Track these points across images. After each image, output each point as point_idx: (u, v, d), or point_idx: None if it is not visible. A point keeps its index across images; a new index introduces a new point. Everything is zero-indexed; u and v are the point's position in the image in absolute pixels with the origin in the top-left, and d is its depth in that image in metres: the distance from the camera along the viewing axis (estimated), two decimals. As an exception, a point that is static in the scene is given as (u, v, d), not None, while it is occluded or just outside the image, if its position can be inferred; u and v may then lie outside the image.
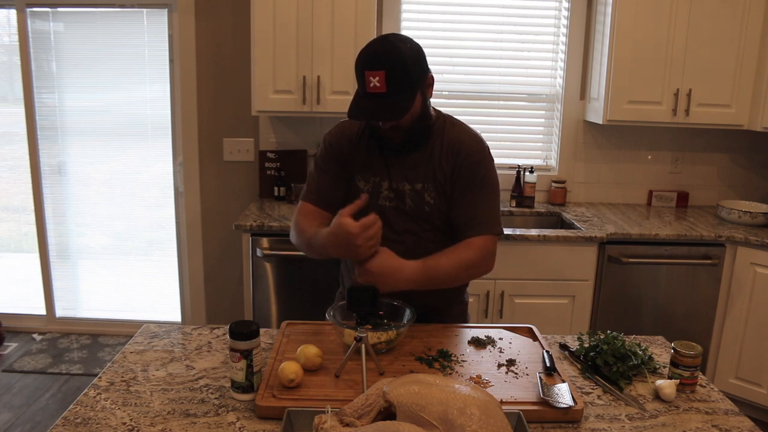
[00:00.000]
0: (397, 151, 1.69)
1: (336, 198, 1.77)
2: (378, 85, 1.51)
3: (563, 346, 1.65)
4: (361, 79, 1.54)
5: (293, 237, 1.77)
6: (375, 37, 2.94)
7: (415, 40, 1.63)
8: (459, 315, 1.89)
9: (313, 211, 1.76)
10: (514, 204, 3.42)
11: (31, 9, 3.47)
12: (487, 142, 1.74)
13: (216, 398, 1.37)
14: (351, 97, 3.15)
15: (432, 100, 1.71)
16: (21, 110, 3.61)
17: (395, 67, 1.52)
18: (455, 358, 1.54)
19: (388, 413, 1.12)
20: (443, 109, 1.80)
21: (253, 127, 3.48)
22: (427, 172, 1.69)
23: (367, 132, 1.74)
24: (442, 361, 1.52)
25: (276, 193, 3.41)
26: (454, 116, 1.77)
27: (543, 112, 3.57)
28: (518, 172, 3.41)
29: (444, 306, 1.83)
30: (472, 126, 1.77)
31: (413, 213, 1.70)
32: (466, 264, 1.65)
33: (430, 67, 1.64)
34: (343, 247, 1.52)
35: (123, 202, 3.75)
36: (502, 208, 3.34)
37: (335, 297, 1.96)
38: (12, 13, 3.52)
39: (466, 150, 1.68)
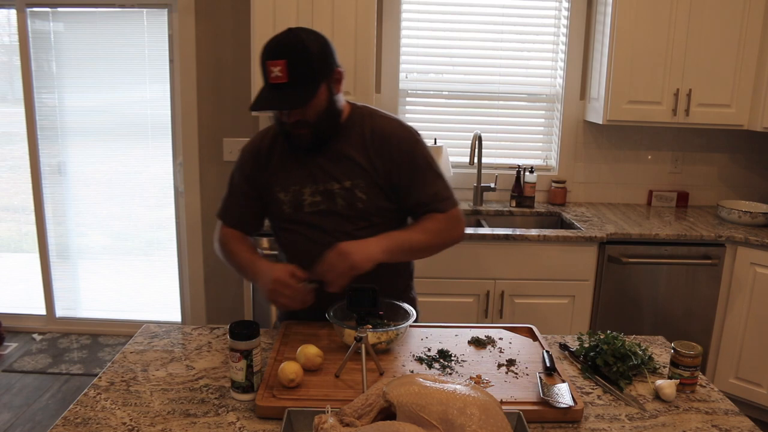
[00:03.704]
0: (312, 152, 1.64)
1: (246, 219, 1.76)
2: (280, 75, 1.48)
3: (563, 346, 1.65)
4: (264, 71, 1.51)
5: (220, 253, 1.77)
6: (374, 37, 2.97)
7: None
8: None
9: (228, 231, 1.76)
10: (514, 204, 3.42)
11: (31, 9, 3.47)
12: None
13: (216, 398, 1.37)
14: (351, 97, 3.17)
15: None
16: (21, 110, 3.61)
17: (297, 57, 1.49)
18: (455, 358, 1.54)
19: (388, 413, 1.12)
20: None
21: (253, 127, 3.48)
22: (354, 167, 1.64)
23: (280, 140, 1.69)
24: (442, 361, 1.52)
25: (276, 193, 3.40)
26: (372, 107, 1.73)
27: (543, 112, 3.57)
28: (518, 172, 3.41)
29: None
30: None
31: (346, 212, 1.65)
32: (435, 230, 1.65)
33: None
34: (273, 292, 1.54)
35: (123, 202, 3.75)
36: (501, 208, 3.37)
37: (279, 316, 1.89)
38: (12, 13, 3.52)
39: (397, 138, 1.65)
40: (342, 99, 1.65)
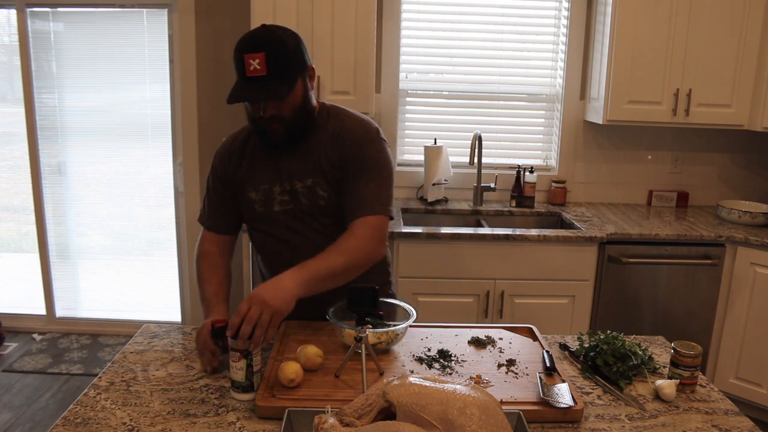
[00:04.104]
0: (281, 148, 1.64)
1: (224, 220, 1.76)
2: (258, 68, 1.48)
3: (563, 346, 1.65)
4: (240, 65, 1.50)
5: (196, 269, 1.76)
6: (374, 37, 2.97)
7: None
8: None
9: (209, 236, 1.77)
10: (514, 204, 3.42)
11: (31, 9, 3.47)
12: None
13: (216, 398, 1.37)
14: (351, 97, 3.16)
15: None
16: (21, 110, 3.61)
17: (275, 50, 1.50)
18: (455, 358, 1.54)
19: (388, 413, 1.12)
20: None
21: (253, 127, 3.48)
22: (315, 165, 1.64)
23: (251, 141, 1.70)
24: (442, 361, 1.52)
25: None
26: (339, 106, 1.73)
27: (543, 112, 3.57)
28: (518, 172, 3.41)
29: None
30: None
31: (310, 211, 1.66)
32: (353, 249, 1.55)
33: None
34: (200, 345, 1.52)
35: (123, 202, 3.75)
36: (501, 208, 3.36)
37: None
38: (12, 13, 3.52)
39: (351, 135, 1.64)
40: (314, 96, 1.66)
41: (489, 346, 1.62)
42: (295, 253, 1.63)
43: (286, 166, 1.66)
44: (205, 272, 1.73)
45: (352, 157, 1.62)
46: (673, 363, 1.47)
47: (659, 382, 1.43)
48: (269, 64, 1.49)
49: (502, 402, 1.31)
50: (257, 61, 1.48)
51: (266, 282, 1.45)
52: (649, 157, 3.58)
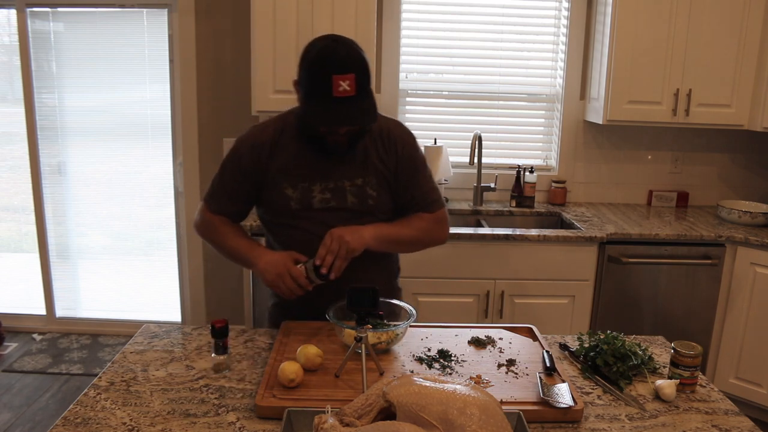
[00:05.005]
0: (343, 155, 1.66)
1: (233, 209, 1.78)
2: (348, 89, 1.49)
3: (563, 346, 1.65)
4: (327, 85, 1.49)
5: (204, 234, 1.80)
6: (374, 37, 2.96)
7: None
8: None
9: (210, 214, 1.78)
10: (514, 204, 3.42)
11: (31, 9, 3.47)
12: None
13: (216, 398, 1.37)
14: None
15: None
16: (21, 110, 3.61)
17: (363, 70, 1.52)
18: (455, 358, 1.54)
19: (388, 413, 1.12)
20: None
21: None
22: (366, 167, 1.68)
23: (284, 135, 1.70)
24: (442, 361, 1.52)
25: (276, 193, 3.40)
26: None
27: (543, 112, 3.57)
28: (518, 172, 3.41)
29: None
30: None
31: (356, 208, 1.69)
32: (419, 228, 1.74)
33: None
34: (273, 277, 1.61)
35: (123, 202, 3.75)
36: (501, 208, 3.37)
37: (269, 309, 1.91)
38: (12, 13, 3.52)
39: (401, 139, 1.73)
40: None
41: (489, 346, 1.62)
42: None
43: (331, 165, 1.68)
44: (224, 229, 1.77)
45: (404, 158, 1.71)
46: (673, 363, 1.47)
47: (659, 382, 1.43)
48: (358, 84, 1.51)
49: (502, 402, 1.31)
50: (347, 82, 1.49)
51: (345, 226, 1.62)
52: (649, 157, 3.58)
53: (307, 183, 1.68)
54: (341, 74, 1.49)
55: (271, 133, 1.72)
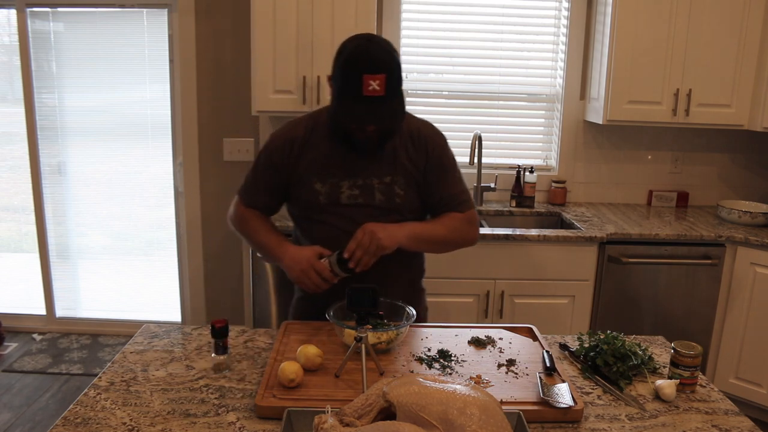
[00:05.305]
0: (367, 152, 1.69)
1: (265, 203, 1.82)
2: (378, 88, 1.52)
3: (563, 346, 1.65)
4: (357, 83, 1.52)
5: (236, 227, 1.84)
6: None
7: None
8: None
9: (247, 210, 1.82)
10: (514, 204, 3.42)
11: (31, 9, 3.47)
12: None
13: (216, 398, 1.37)
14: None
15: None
16: (21, 110, 3.61)
17: (394, 71, 1.55)
18: (455, 358, 1.54)
19: (388, 413, 1.12)
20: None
21: (253, 127, 3.48)
22: (395, 166, 1.71)
23: (316, 132, 1.73)
24: (442, 361, 1.52)
25: (276, 193, 3.40)
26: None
27: (543, 112, 3.57)
28: (518, 172, 3.41)
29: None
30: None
31: (383, 206, 1.71)
32: (451, 228, 1.76)
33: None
34: (297, 272, 1.64)
35: (123, 202, 3.75)
36: (501, 208, 3.37)
37: (294, 303, 1.94)
38: (12, 13, 3.52)
39: (431, 139, 1.76)
40: None
41: (489, 346, 1.62)
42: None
43: (360, 162, 1.70)
44: (255, 223, 1.80)
45: (434, 158, 1.74)
46: (673, 363, 1.47)
47: (659, 382, 1.43)
48: (388, 84, 1.53)
49: (502, 402, 1.31)
50: (377, 82, 1.52)
51: (379, 222, 1.63)
52: (649, 157, 3.58)
53: (336, 179, 1.71)
54: (372, 74, 1.51)
55: (302, 130, 1.75)
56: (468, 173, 3.50)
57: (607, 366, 1.51)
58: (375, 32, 2.97)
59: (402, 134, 1.72)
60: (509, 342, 1.64)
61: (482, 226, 3.22)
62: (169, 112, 3.59)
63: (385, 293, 1.63)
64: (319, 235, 1.74)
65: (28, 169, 3.69)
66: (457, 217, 1.76)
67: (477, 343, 1.63)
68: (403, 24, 3.40)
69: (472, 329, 1.71)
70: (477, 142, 3.31)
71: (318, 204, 1.72)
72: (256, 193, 1.80)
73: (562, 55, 3.47)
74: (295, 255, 1.67)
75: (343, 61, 1.56)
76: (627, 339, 1.64)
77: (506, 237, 2.87)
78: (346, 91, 1.55)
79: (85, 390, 1.40)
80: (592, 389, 1.46)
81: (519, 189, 3.41)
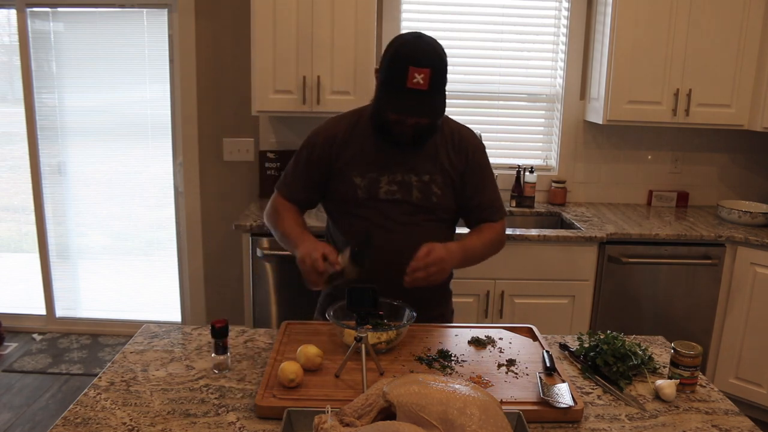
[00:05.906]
0: (405, 147, 1.71)
1: (303, 197, 1.83)
2: (422, 82, 1.54)
3: (563, 346, 1.65)
4: (402, 75, 1.54)
5: (268, 219, 1.85)
6: (374, 37, 2.96)
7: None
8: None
9: (283, 203, 1.83)
10: (514, 204, 3.42)
11: (31, 9, 3.47)
12: (487, 142, 1.79)
13: (216, 398, 1.37)
14: (351, 97, 3.15)
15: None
16: (21, 110, 3.61)
17: (439, 67, 1.57)
18: (455, 358, 1.54)
19: (388, 413, 1.12)
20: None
21: (253, 127, 3.48)
22: (434, 165, 1.74)
23: (358, 127, 1.75)
24: (442, 361, 1.52)
25: (276, 193, 3.40)
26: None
27: (543, 112, 3.57)
28: (518, 172, 3.41)
29: (433, 316, 1.83)
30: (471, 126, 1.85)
31: (420, 203, 1.73)
32: (491, 242, 1.80)
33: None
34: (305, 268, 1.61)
35: (123, 202, 3.75)
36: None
37: (321, 299, 1.94)
38: (12, 13, 3.52)
39: (471, 143, 1.79)
40: None
41: (489, 346, 1.62)
42: (388, 239, 1.70)
43: (400, 158, 1.72)
44: (285, 214, 1.80)
45: (473, 162, 1.77)
46: (673, 363, 1.47)
47: (659, 382, 1.43)
48: (432, 79, 1.55)
49: (502, 402, 1.31)
50: (422, 75, 1.54)
51: (447, 245, 1.63)
52: (649, 157, 3.57)
53: (375, 173, 1.72)
54: (417, 67, 1.53)
55: (344, 126, 1.77)
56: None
57: (607, 366, 1.51)
58: (375, 32, 2.98)
59: (443, 135, 1.74)
60: (509, 342, 1.64)
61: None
62: (169, 112, 3.59)
63: (416, 294, 1.63)
64: (354, 229, 1.75)
65: (28, 169, 3.69)
66: (495, 229, 1.80)
67: (477, 343, 1.63)
68: (403, 24, 3.40)
69: (472, 329, 1.71)
70: (477, 142, 3.31)
71: (356, 198, 1.73)
72: (294, 186, 1.82)
73: (562, 55, 3.47)
74: (306, 245, 1.63)
75: (392, 52, 1.59)
76: (627, 339, 1.64)
77: (506, 237, 2.86)
78: (391, 81, 1.58)
79: (85, 390, 1.40)
80: (592, 389, 1.46)
81: (519, 189, 3.41)
